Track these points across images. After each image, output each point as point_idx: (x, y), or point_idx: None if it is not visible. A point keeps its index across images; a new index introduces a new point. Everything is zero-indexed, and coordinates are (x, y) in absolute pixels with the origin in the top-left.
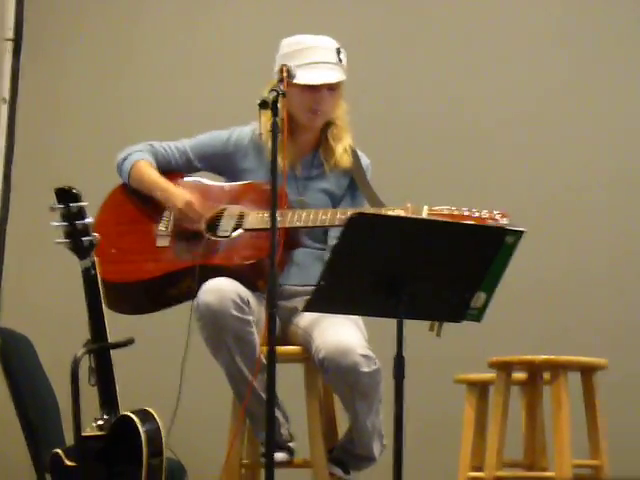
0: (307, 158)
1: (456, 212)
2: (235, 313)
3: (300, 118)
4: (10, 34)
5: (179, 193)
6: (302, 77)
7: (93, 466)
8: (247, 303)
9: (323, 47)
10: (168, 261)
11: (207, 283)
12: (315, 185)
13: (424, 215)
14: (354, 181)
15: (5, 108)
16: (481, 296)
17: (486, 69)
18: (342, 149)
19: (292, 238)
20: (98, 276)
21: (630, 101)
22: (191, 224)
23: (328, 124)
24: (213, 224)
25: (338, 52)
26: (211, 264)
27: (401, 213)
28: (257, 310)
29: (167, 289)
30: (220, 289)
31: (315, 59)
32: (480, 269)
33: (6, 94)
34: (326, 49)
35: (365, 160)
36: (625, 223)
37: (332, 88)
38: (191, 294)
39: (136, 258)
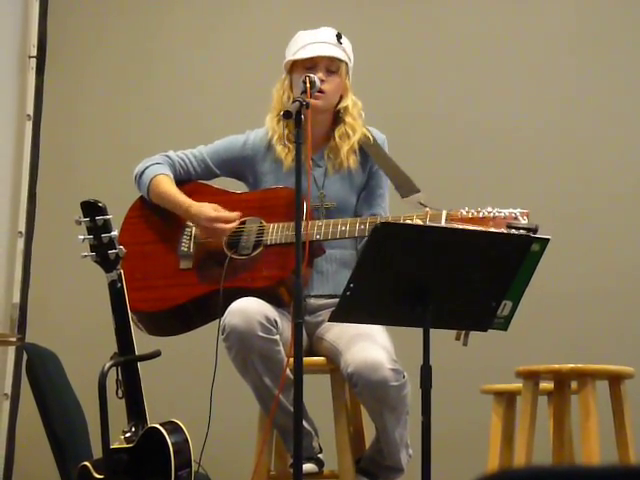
0: (321, 150)
1: (476, 215)
2: (262, 334)
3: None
4: (33, 51)
5: (201, 211)
6: (298, 55)
7: (121, 478)
8: (274, 323)
9: (320, 31)
10: (192, 285)
11: (233, 304)
12: (334, 176)
13: (443, 219)
14: (371, 172)
15: (29, 124)
16: (507, 305)
17: (509, 73)
18: (348, 148)
19: (312, 248)
20: (124, 288)
21: None
22: (215, 239)
23: (337, 121)
24: (233, 240)
25: (338, 36)
26: (235, 287)
27: (418, 221)
28: (285, 326)
29: (193, 313)
30: (246, 311)
31: (311, 40)
32: (506, 277)
33: (30, 111)
34: (323, 32)
35: (380, 137)
36: None
37: (331, 70)
38: (217, 314)
39: (161, 283)
